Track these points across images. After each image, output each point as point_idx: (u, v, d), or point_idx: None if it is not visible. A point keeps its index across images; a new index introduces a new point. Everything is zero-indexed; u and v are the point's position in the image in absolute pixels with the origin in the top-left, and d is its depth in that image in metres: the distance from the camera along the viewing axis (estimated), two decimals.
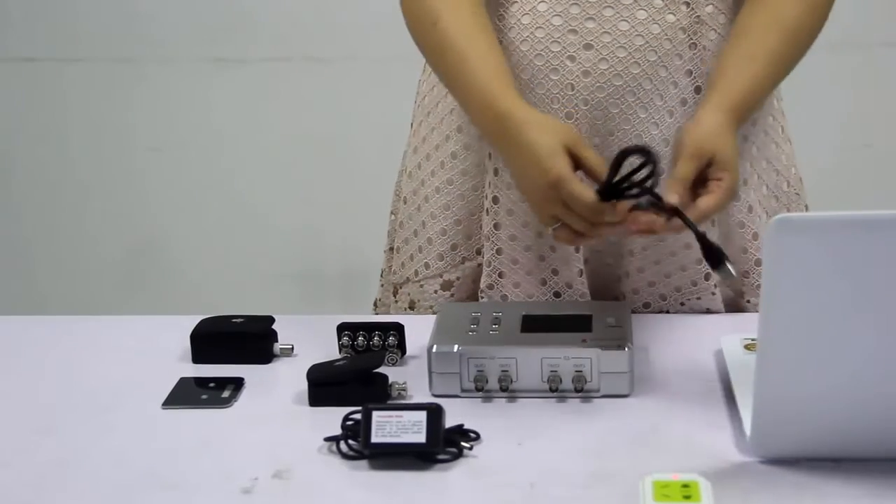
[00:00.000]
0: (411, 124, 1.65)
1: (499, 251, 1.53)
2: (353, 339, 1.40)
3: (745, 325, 1.40)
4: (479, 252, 1.57)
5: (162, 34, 3.10)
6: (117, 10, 3.10)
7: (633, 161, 1.28)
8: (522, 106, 1.37)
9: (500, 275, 1.54)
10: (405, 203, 1.62)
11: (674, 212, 1.29)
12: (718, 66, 1.43)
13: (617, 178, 1.28)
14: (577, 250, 1.52)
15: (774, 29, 1.43)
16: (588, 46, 1.45)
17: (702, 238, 1.28)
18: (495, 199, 1.52)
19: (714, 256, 1.28)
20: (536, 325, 1.35)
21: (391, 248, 1.68)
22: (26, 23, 3.12)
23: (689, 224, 1.29)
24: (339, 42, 3.07)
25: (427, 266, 1.58)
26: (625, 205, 1.30)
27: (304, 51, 3.08)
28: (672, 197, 1.31)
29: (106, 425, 1.28)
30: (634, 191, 1.28)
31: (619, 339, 1.30)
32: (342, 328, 1.40)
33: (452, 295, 1.58)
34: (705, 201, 1.33)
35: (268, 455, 1.20)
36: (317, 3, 3.06)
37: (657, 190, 1.29)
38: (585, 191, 1.30)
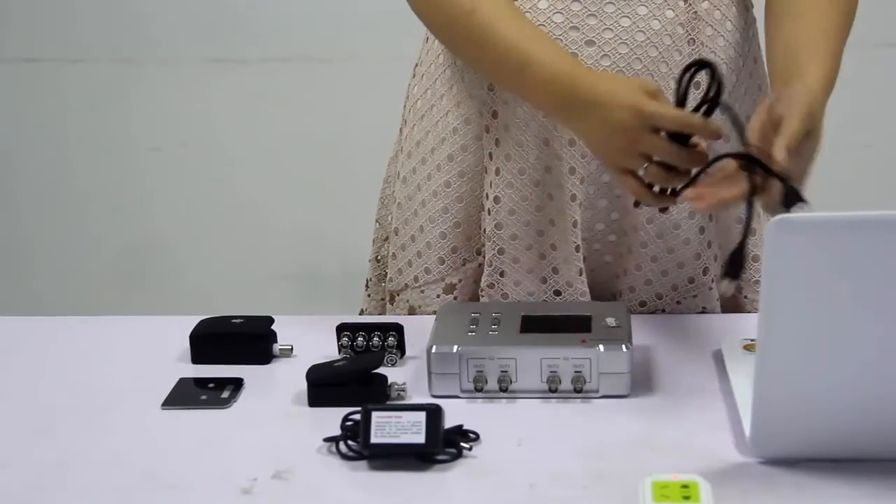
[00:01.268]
0: (400, 129, 1.65)
1: (500, 251, 1.54)
2: (353, 339, 1.40)
3: (744, 326, 1.40)
4: (479, 252, 1.57)
5: (162, 34, 3.10)
6: (117, 10, 3.10)
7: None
8: (589, 70, 1.40)
9: (502, 274, 1.54)
10: (399, 209, 1.62)
11: (750, 158, 1.28)
12: (792, 46, 1.42)
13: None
14: (578, 249, 1.52)
15: (832, 5, 1.44)
16: (590, 43, 1.45)
17: (782, 179, 1.26)
18: (497, 199, 1.52)
19: (791, 198, 1.26)
20: (536, 325, 1.35)
21: (377, 258, 1.68)
22: (27, 23, 3.12)
23: (764, 168, 1.27)
24: (339, 42, 3.07)
25: (428, 271, 1.58)
26: (713, 122, 1.29)
27: (304, 51, 3.08)
28: (781, 153, 1.27)
29: (105, 425, 1.28)
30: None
31: (618, 339, 1.30)
32: (341, 328, 1.40)
33: (455, 298, 1.58)
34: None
35: (267, 455, 1.20)
36: (317, 3, 3.06)
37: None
38: (672, 109, 1.30)
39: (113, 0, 3.10)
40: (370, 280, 1.70)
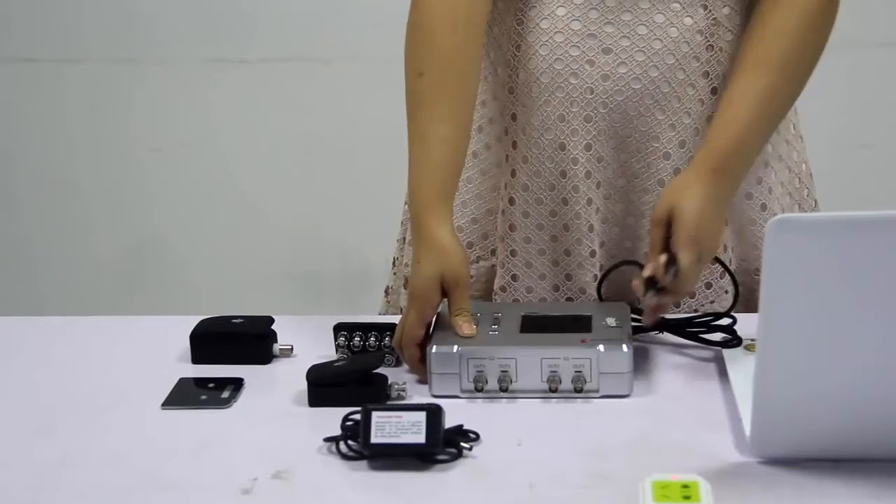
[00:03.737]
0: None
1: (513, 253, 1.54)
2: (350, 339, 1.40)
3: (744, 326, 1.40)
4: (493, 252, 1.57)
5: (162, 34, 3.10)
6: (117, 10, 3.10)
7: None
8: (438, 209, 1.39)
9: (514, 277, 1.54)
10: None
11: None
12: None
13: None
14: (593, 255, 1.52)
15: (761, 67, 1.41)
16: (607, 50, 1.45)
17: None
18: (511, 201, 1.52)
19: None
20: (536, 325, 1.35)
21: (403, 238, 1.68)
22: (27, 23, 3.12)
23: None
24: (339, 42, 3.07)
25: None
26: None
27: (304, 51, 3.08)
28: (645, 271, 1.34)
29: (105, 425, 1.28)
30: None
31: (618, 339, 1.30)
32: (338, 328, 1.40)
33: None
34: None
35: (267, 455, 1.20)
36: (317, 3, 3.06)
37: None
38: (416, 327, 1.34)
39: (113, 0, 3.11)
40: (396, 259, 1.70)
